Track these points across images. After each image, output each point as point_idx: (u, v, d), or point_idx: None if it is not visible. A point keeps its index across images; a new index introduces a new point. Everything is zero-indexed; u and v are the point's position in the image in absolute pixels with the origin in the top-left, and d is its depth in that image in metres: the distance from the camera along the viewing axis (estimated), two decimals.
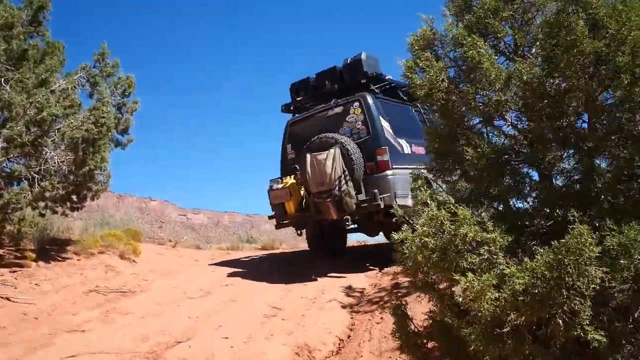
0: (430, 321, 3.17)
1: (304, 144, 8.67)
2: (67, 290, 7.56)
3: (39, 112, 7.12)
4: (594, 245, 2.18)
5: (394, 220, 8.80)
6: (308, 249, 12.62)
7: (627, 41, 2.50)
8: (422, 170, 8.26)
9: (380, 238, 11.96)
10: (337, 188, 7.89)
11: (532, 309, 2.27)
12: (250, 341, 5.59)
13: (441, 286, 2.95)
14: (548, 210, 2.76)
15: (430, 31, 3.31)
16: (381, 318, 5.82)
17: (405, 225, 2.90)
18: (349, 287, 7.56)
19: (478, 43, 2.94)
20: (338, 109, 9.06)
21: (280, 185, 8.88)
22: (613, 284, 2.29)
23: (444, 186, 3.36)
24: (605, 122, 2.67)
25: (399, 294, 6.53)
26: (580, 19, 2.57)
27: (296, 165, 8.63)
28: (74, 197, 9.24)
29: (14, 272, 7.51)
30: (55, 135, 7.75)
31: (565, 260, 2.18)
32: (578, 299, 2.21)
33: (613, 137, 2.65)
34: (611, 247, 2.28)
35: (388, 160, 8.39)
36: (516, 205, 3.08)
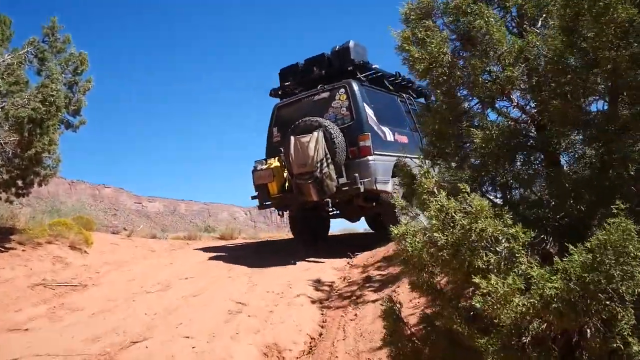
0: (426, 327, 2.80)
1: (289, 128, 8.81)
2: (10, 284, 6.94)
3: None
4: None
5: (373, 204, 8.94)
6: (268, 239, 12.53)
7: None
8: (408, 158, 8.35)
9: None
10: (318, 170, 8.09)
11: (563, 317, 1.93)
12: (214, 341, 5.14)
13: (447, 287, 2.59)
14: (570, 202, 2.41)
15: None
16: (355, 315, 5.47)
17: (405, 217, 2.51)
18: (318, 281, 7.19)
19: (486, 11, 2.57)
20: (324, 94, 9.23)
21: (264, 167, 9.06)
22: None
23: (437, 173, 2.99)
24: (636, 101, 2.34)
25: (371, 288, 6.20)
26: None
27: (281, 148, 8.73)
28: (20, 182, 8.55)
29: None
30: None
31: (606, 260, 1.85)
32: (619, 304, 1.88)
33: None
34: None
35: (370, 146, 8.57)
36: (528, 196, 2.74)
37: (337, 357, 4.85)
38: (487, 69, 2.63)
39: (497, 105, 2.86)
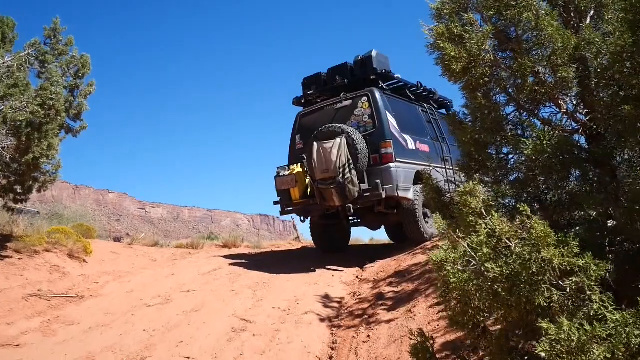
0: None
1: (312, 135, 8.95)
2: (3, 294, 6.61)
3: None
4: None
5: (394, 211, 8.90)
6: (273, 249, 12.45)
7: None
8: (423, 167, 8.56)
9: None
10: (341, 175, 8.25)
11: None
12: None
13: (495, 326, 2.23)
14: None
15: None
16: (368, 336, 5.09)
17: (445, 241, 2.16)
18: (326, 297, 6.83)
19: (534, 3, 2.23)
20: (347, 102, 9.37)
21: (287, 172, 9.24)
22: None
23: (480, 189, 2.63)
24: None
25: (384, 307, 5.83)
26: None
27: (303, 155, 8.86)
28: (18, 188, 8.25)
29: None
30: None
31: None
32: None
33: None
34: None
35: (392, 153, 8.74)
36: (586, 217, 2.37)
37: None
38: (536, 69, 2.28)
39: (540, 112, 2.51)
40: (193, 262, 9.90)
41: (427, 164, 8.75)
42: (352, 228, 11.30)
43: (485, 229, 1.93)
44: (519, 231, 1.91)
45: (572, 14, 2.48)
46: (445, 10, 2.55)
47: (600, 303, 1.75)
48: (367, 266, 8.64)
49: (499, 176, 2.53)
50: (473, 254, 1.95)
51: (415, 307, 5.30)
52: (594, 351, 1.60)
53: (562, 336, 1.63)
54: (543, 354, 1.69)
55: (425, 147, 9.88)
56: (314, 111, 10.01)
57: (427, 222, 9.28)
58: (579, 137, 2.45)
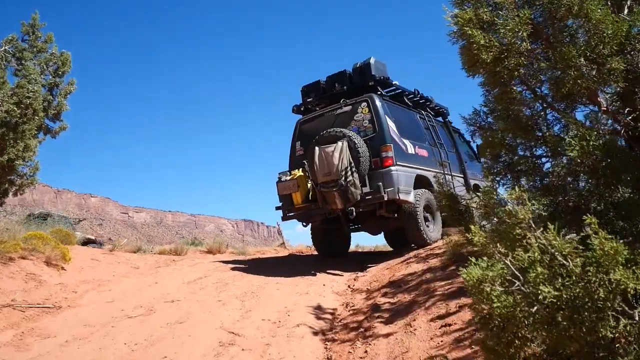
0: None
1: (312, 141, 9.12)
2: None
3: None
4: None
5: (395, 215, 8.96)
6: (259, 255, 13.14)
7: None
8: (422, 171, 8.81)
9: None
10: (343, 178, 8.36)
11: None
12: None
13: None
14: None
15: None
16: (365, 352, 4.77)
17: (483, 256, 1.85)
18: (318, 307, 6.51)
19: None
20: (347, 108, 9.57)
21: (288, 177, 9.33)
22: None
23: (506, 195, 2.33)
24: None
25: (381, 319, 5.52)
26: None
27: (304, 161, 9.00)
28: None
29: None
30: None
31: None
32: None
33: None
34: None
35: (392, 156, 8.89)
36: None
37: None
38: (579, 61, 1.99)
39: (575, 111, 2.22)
40: (177, 269, 9.51)
41: (429, 169, 9.50)
42: (352, 234, 11.41)
43: (537, 244, 1.63)
44: (580, 247, 1.62)
45: (608, 2, 2.22)
46: None
47: None
48: (359, 275, 8.35)
49: (534, 181, 2.24)
50: (517, 272, 1.66)
51: (414, 320, 4.99)
52: None
53: None
54: None
55: (424, 152, 10.10)
56: (314, 118, 10.15)
57: (428, 226, 9.36)
58: (619, 140, 2.19)
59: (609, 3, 2.16)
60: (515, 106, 2.21)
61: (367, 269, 8.76)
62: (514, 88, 2.24)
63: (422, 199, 9.26)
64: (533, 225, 1.72)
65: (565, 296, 1.54)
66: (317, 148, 8.65)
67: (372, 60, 9.97)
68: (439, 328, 4.55)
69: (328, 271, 8.90)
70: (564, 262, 1.56)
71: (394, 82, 10.34)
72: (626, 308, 1.53)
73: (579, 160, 1.92)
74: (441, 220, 9.76)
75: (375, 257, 10.58)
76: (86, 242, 20.10)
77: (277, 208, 9.75)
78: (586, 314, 1.51)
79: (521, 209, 1.77)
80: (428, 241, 9.11)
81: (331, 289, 7.55)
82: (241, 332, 5.57)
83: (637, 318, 1.53)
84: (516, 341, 1.75)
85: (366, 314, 5.92)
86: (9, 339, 5.45)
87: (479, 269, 1.78)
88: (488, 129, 2.39)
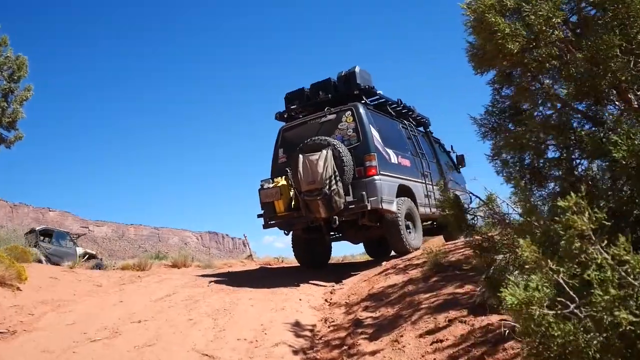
0: None
1: (296, 149, 9.05)
2: None
3: None
4: None
5: (377, 224, 8.78)
6: (229, 269, 12.99)
7: None
8: (405, 181, 8.84)
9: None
10: (327, 187, 8.29)
11: None
12: None
13: None
14: None
15: None
16: None
17: (514, 275, 1.58)
18: (297, 324, 6.18)
19: None
20: (331, 117, 9.51)
21: (271, 185, 9.22)
22: None
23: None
24: None
25: (364, 335, 5.22)
26: None
27: (287, 169, 8.90)
28: None
29: None
30: None
31: None
32: None
33: None
34: None
35: (376, 165, 8.87)
36: None
37: None
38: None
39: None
40: (143, 286, 9.01)
41: (412, 179, 9.70)
42: (333, 243, 11.26)
43: (605, 259, 1.37)
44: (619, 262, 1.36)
45: None
46: None
47: None
48: (335, 288, 8.06)
49: (567, 187, 1.99)
50: (572, 293, 1.40)
51: (401, 336, 4.71)
52: None
53: None
54: None
55: (407, 162, 10.18)
56: (297, 125, 10.09)
57: (409, 234, 9.36)
58: None
59: None
60: (550, 100, 1.97)
61: (343, 282, 8.48)
62: (546, 81, 1.99)
63: (404, 208, 9.29)
64: (591, 236, 1.45)
65: None
66: (301, 156, 8.59)
67: (357, 69, 10.01)
68: (430, 344, 4.28)
69: (303, 284, 8.57)
70: (633, 282, 1.30)
71: (378, 92, 10.40)
72: None
73: (623, 162, 1.69)
74: (422, 229, 10.00)
75: (349, 268, 10.34)
76: (88, 258, 19.55)
77: (259, 216, 9.62)
78: None
79: (581, 219, 1.50)
80: (410, 249, 9.16)
81: (308, 303, 7.23)
82: (216, 354, 5.19)
83: None
84: None
85: (348, 329, 5.61)
86: None
87: (520, 290, 1.50)
88: (505, 130, 2.15)
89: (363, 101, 9.83)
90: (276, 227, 9.64)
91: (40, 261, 15.81)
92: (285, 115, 10.78)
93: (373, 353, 4.67)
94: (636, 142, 1.71)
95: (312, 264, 10.73)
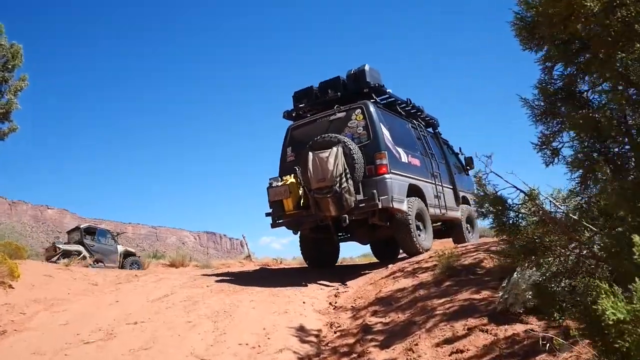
0: None
1: (304, 147, 8.88)
2: None
3: None
4: None
5: (387, 224, 8.16)
6: (227, 269, 12.76)
7: None
8: (415, 180, 8.57)
9: None
10: (337, 185, 8.13)
11: None
12: None
13: None
14: None
15: None
16: None
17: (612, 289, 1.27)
18: (301, 329, 5.87)
19: None
20: (340, 115, 9.37)
21: (280, 183, 9.07)
22: None
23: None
24: None
25: (374, 343, 4.91)
26: None
27: (296, 167, 8.83)
28: None
29: None
30: None
31: None
32: None
33: None
34: None
35: (387, 164, 8.73)
36: None
37: None
38: None
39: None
40: (140, 285, 8.69)
41: (421, 179, 9.62)
42: (341, 243, 11.05)
43: None
44: None
45: None
46: None
47: None
48: (340, 291, 7.75)
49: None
50: None
51: (416, 344, 4.39)
52: None
53: None
54: None
55: (416, 161, 10.05)
56: (306, 123, 9.98)
57: (420, 235, 9.17)
58: None
59: None
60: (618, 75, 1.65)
61: (347, 285, 8.18)
62: (637, 45, 1.68)
63: (414, 207, 9.14)
64: None
65: None
66: (311, 153, 8.48)
67: (366, 67, 9.91)
68: (449, 355, 3.96)
69: (305, 286, 8.26)
70: None
71: (388, 90, 10.28)
72: None
73: None
74: (432, 230, 9.82)
75: (352, 270, 10.05)
76: (127, 255, 19.46)
77: (267, 214, 9.46)
78: None
79: None
80: (420, 250, 8.97)
81: (312, 306, 6.91)
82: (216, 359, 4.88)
83: None
84: None
85: (356, 336, 5.30)
86: None
87: (619, 308, 1.20)
88: (558, 113, 1.87)
89: (373, 99, 9.66)
90: (284, 227, 9.48)
91: (85, 258, 15.76)
92: (294, 114, 10.65)
93: None
94: None
95: (320, 264, 10.54)
